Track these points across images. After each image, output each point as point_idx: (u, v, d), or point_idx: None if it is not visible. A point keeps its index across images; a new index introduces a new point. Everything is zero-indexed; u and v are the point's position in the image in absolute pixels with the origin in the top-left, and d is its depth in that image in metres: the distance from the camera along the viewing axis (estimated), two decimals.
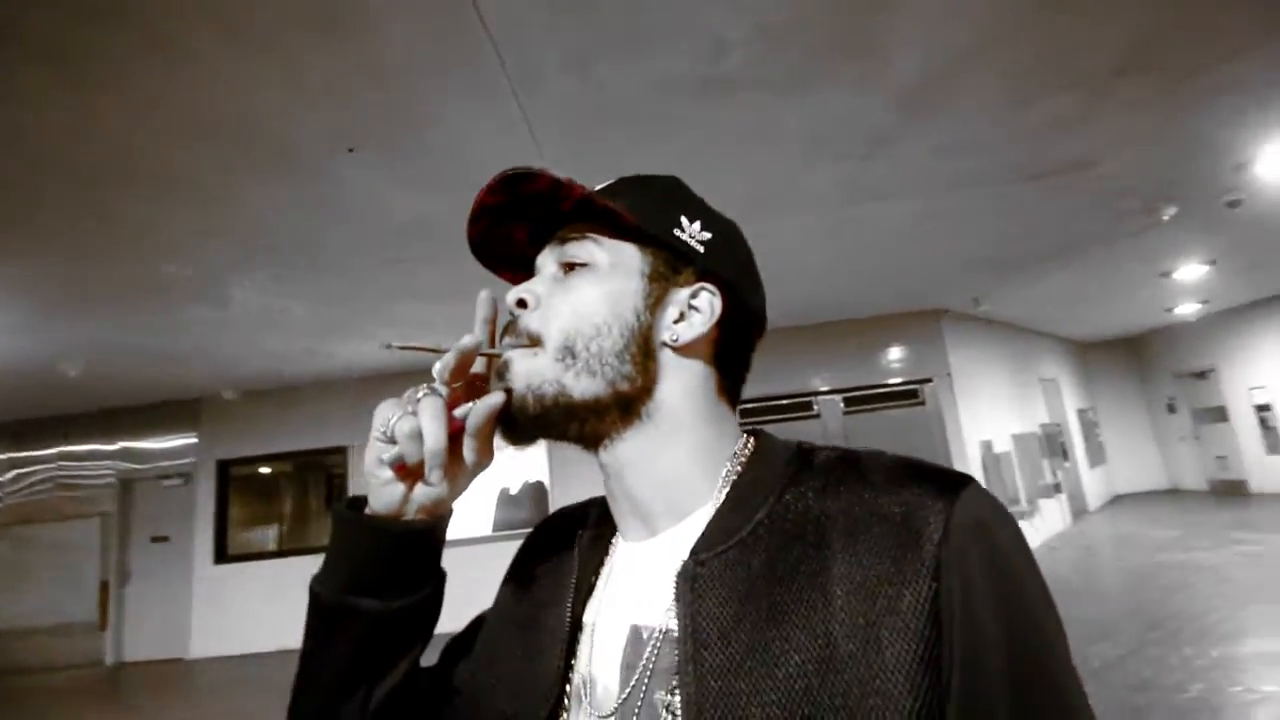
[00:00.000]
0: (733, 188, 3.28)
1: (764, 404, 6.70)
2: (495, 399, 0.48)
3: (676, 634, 0.42)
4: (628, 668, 0.46)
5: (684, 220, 0.52)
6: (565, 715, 0.49)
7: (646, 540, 0.50)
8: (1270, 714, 2.84)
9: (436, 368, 0.49)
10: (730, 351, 0.54)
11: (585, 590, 0.52)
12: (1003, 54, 2.45)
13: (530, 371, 0.48)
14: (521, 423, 0.49)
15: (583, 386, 0.47)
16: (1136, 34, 2.41)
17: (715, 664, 0.40)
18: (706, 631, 0.41)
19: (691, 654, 0.41)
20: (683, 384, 0.50)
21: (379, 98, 2.25)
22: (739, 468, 0.49)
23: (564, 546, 0.57)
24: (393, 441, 0.47)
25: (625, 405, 0.49)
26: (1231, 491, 9.42)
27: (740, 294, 0.53)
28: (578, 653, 0.50)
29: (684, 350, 0.50)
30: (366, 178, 2.80)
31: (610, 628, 0.49)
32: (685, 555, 0.45)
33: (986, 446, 6.76)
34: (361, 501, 0.52)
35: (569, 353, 0.48)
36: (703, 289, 0.51)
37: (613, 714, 0.46)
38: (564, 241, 0.52)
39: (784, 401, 6.67)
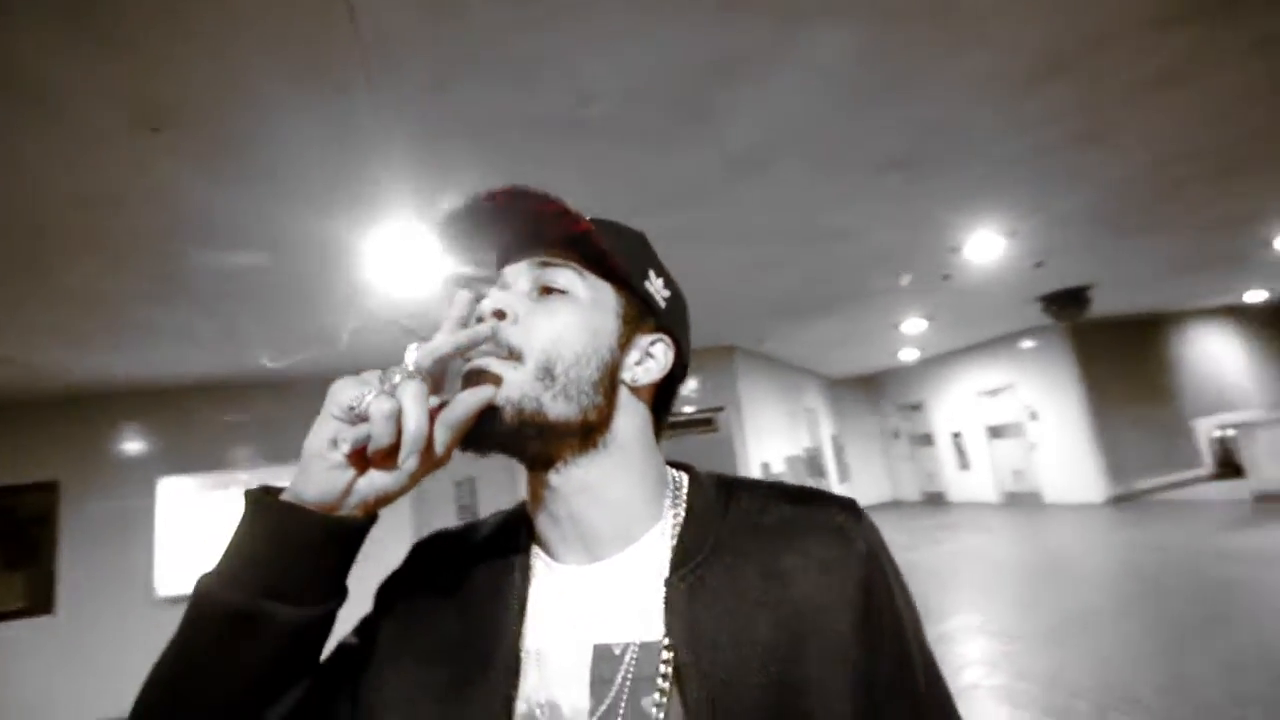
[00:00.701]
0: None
1: (677, 418, 6.85)
2: (485, 392, 0.48)
3: (661, 643, 0.46)
4: (601, 683, 0.47)
5: (651, 274, 0.58)
6: None
7: (592, 564, 0.52)
8: (974, 674, 3.63)
9: (418, 354, 0.46)
10: (665, 398, 0.61)
11: (521, 617, 0.51)
12: (808, 140, 2.92)
13: (514, 383, 0.49)
14: (491, 431, 0.49)
15: (558, 409, 0.50)
16: (902, 139, 3.05)
17: (717, 660, 0.45)
18: (700, 636, 0.46)
19: (694, 659, 0.45)
20: (633, 420, 0.55)
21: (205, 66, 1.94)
22: (683, 496, 0.55)
23: (474, 571, 0.55)
24: (359, 421, 0.44)
25: (588, 433, 0.52)
26: (936, 501, 11.89)
27: (682, 351, 0.60)
28: (518, 683, 0.49)
29: (637, 391, 0.56)
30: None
31: (566, 650, 0.49)
32: (644, 576, 0.50)
33: (765, 467, 7.64)
34: (275, 491, 0.47)
35: (548, 374, 0.50)
36: (660, 340, 0.57)
37: (579, 716, 0.47)
38: (545, 266, 0.54)
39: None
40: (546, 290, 0.54)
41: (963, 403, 11.44)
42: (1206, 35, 2.53)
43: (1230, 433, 9.22)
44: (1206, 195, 4.62)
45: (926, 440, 12.24)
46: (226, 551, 0.45)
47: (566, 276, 0.54)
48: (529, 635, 0.51)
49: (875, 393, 13.23)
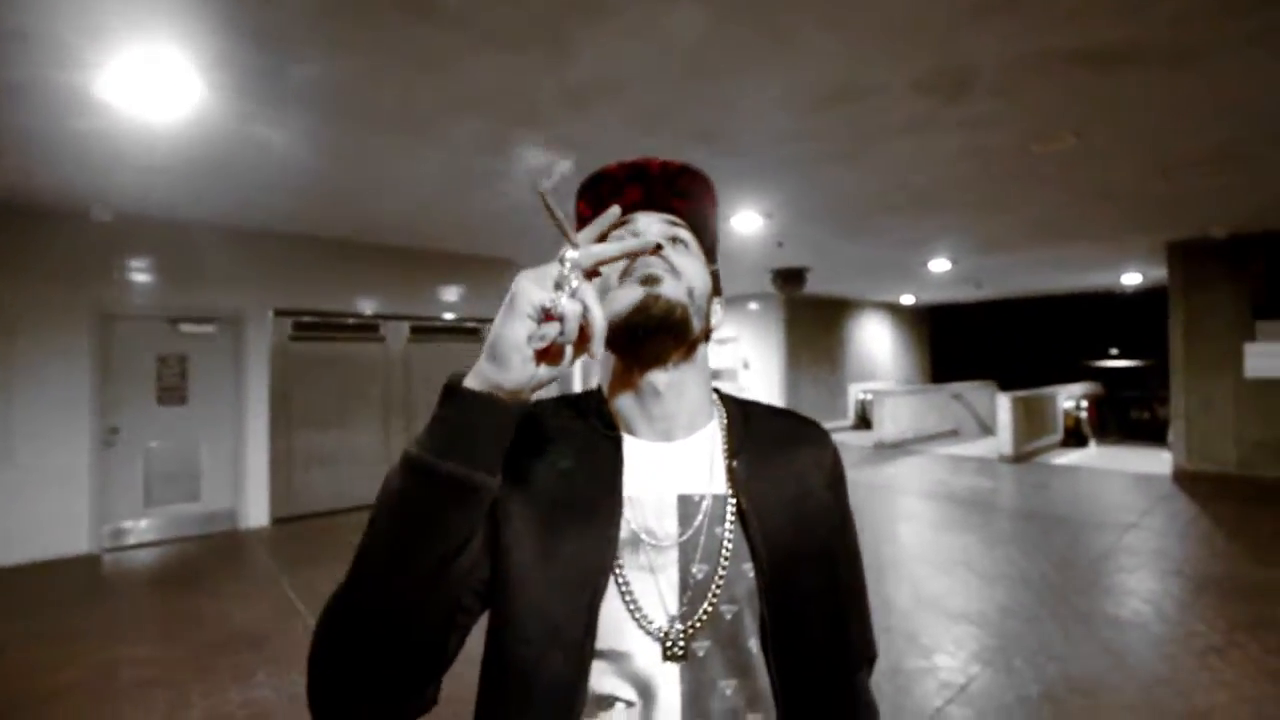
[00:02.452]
0: (382, 99, 3.13)
1: (331, 320, 6.29)
2: (638, 293, 0.65)
3: (727, 495, 0.68)
4: (685, 517, 0.67)
5: (715, 251, 0.81)
6: (620, 559, 0.65)
7: (669, 443, 0.70)
8: None
9: (580, 255, 0.55)
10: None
11: (618, 472, 0.68)
12: (637, 92, 3.11)
13: (674, 289, 0.66)
14: (654, 316, 0.65)
15: (691, 320, 0.69)
16: (714, 115, 3.41)
17: (763, 506, 0.68)
18: (752, 492, 0.69)
19: (750, 505, 0.67)
20: (704, 347, 0.75)
21: None
22: (721, 405, 0.76)
23: (571, 439, 0.70)
24: (549, 320, 0.53)
25: (693, 345, 0.72)
26: None
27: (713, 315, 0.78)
28: (621, 516, 0.66)
29: (707, 328, 0.76)
30: None
31: (657, 496, 0.67)
32: (705, 454, 0.71)
33: None
34: (461, 378, 0.56)
35: (690, 294, 0.69)
36: (718, 301, 0.78)
37: (675, 546, 0.66)
38: (673, 224, 0.73)
39: (350, 321, 6.42)
40: (674, 240, 0.72)
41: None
42: (938, 106, 3.32)
43: (869, 397, 12.21)
44: (902, 221, 6.00)
45: None
46: (438, 431, 0.55)
47: (686, 235, 0.73)
48: (629, 484, 0.67)
49: None
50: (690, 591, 0.64)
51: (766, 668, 0.65)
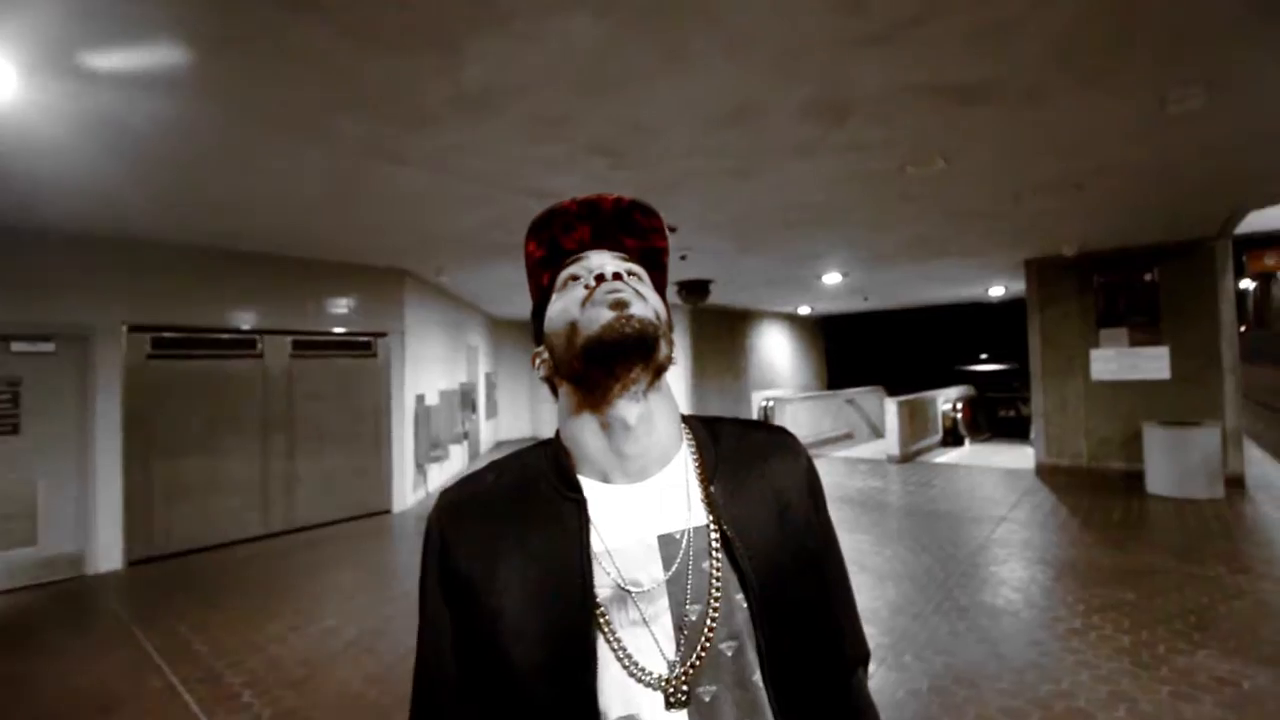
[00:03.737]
0: (257, 95, 2.88)
1: (198, 335, 5.71)
2: (608, 314, 0.67)
3: (708, 525, 0.66)
4: (669, 558, 0.64)
5: (665, 289, 0.80)
6: (605, 617, 0.62)
7: (642, 483, 0.67)
8: None
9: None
10: None
11: (587, 527, 0.65)
12: (535, 103, 3.04)
13: (645, 310, 0.66)
14: (629, 333, 0.64)
15: (661, 342, 0.68)
16: (613, 130, 3.40)
17: (746, 532, 0.66)
18: (733, 517, 0.66)
19: (735, 533, 0.65)
20: (666, 376, 0.72)
21: None
22: (689, 431, 0.73)
23: (528, 504, 0.68)
24: None
25: (659, 371, 0.69)
26: None
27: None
28: (599, 573, 0.63)
29: (670, 357, 0.74)
30: None
31: (635, 544, 0.65)
32: (679, 486, 0.68)
33: (420, 399, 7.60)
34: None
35: (658, 317, 0.69)
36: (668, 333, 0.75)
37: (664, 590, 0.63)
38: (624, 260, 0.73)
39: (222, 336, 5.86)
40: (629, 274, 0.71)
41: None
42: (825, 130, 3.47)
43: (770, 404, 12.65)
44: (797, 236, 6.27)
45: None
46: None
47: (639, 270, 0.73)
48: (604, 538, 0.64)
49: (529, 336, 14.08)
50: (686, 632, 0.62)
51: (767, 695, 0.62)
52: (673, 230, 5.76)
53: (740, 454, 0.73)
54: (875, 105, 3.18)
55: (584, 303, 0.67)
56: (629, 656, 0.61)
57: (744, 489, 0.69)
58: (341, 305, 6.72)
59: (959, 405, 11.59)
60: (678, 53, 2.63)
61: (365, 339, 6.90)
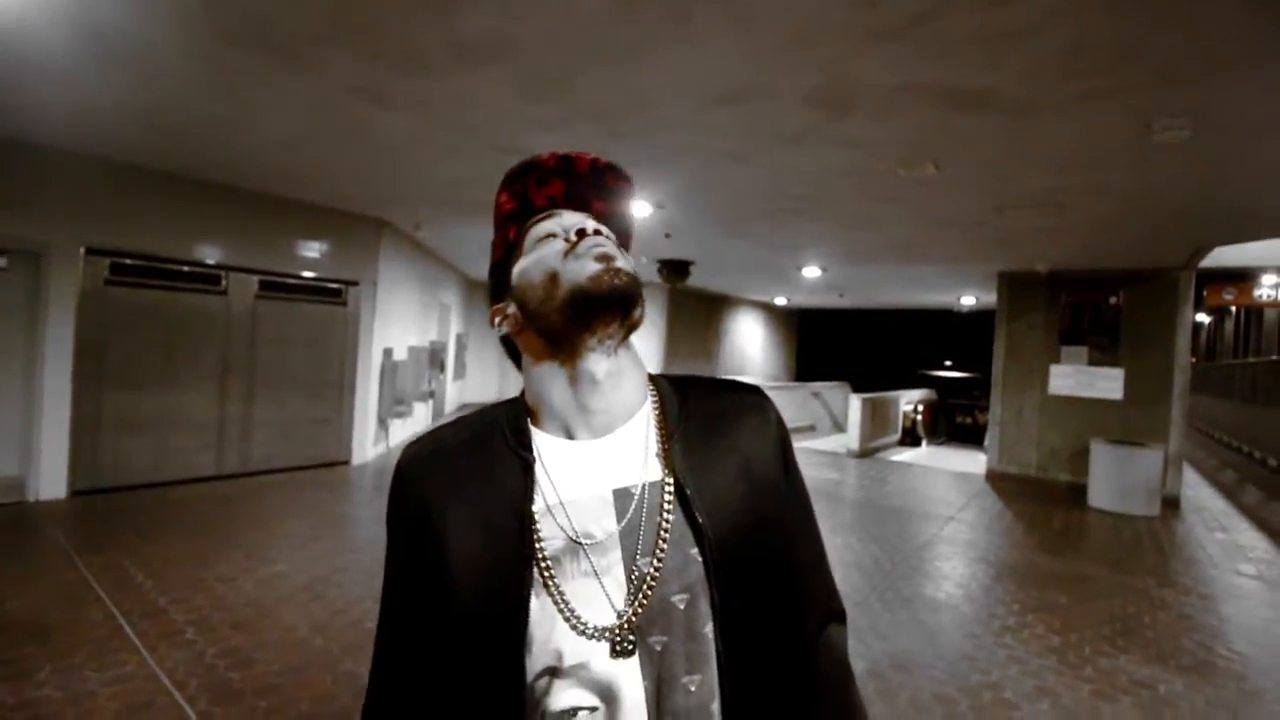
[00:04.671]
0: (240, 10, 2.75)
1: (160, 265, 5.49)
2: (595, 265, 0.67)
3: (664, 480, 0.66)
4: (622, 511, 0.65)
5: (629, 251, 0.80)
6: (551, 570, 0.63)
7: (602, 439, 0.68)
8: None
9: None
10: None
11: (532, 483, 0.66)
12: (528, 56, 2.97)
13: (630, 264, 0.68)
14: (626, 291, 0.66)
15: (640, 297, 0.69)
16: (611, 98, 3.34)
17: (702, 487, 0.66)
18: (692, 473, 0.67)
19: (690, 488, 0.66)
20: (633, 336, 0.73)
21: None
22: (654, 387, 0.74)
23: (488, 458, 0.68)
24: None
25: (632, 328, 0.69)
26: None
27: None
28: (549, 525, 0.64)
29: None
30: None
31: (594, 496, 0.65)
32: (638, 441, 0.68)
33: (388, 354, 7.48)
34: None
35: (635, 270, 0.69)
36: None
37: (617, 542, 0.64)
38: (598, 218, 0.74)
39: (184, 268, 5.65)
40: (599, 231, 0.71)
41: None
42: (824, 121, 3.47)
43: None
44: (781, 225, 6.29)
45: None
46: None
47: (607, 230, 0.72)
48: (559, 491, 0.65)
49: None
50: (636, 583, 0.63)
51: (716, 648, 0.64)
52: (660, 207, 5.73)
53: (707, 413, 0.73)
54: (876, 102, 3.18)
55: (566, 254, 0.67)
56: (570, 608, 0.62)
57: (707, 446, 0.70)
58: (314, 249, 6.52)
59: (920, 407, 11.89)
60: (686, 26, 2.58)
61: (336, 286, 6.73)
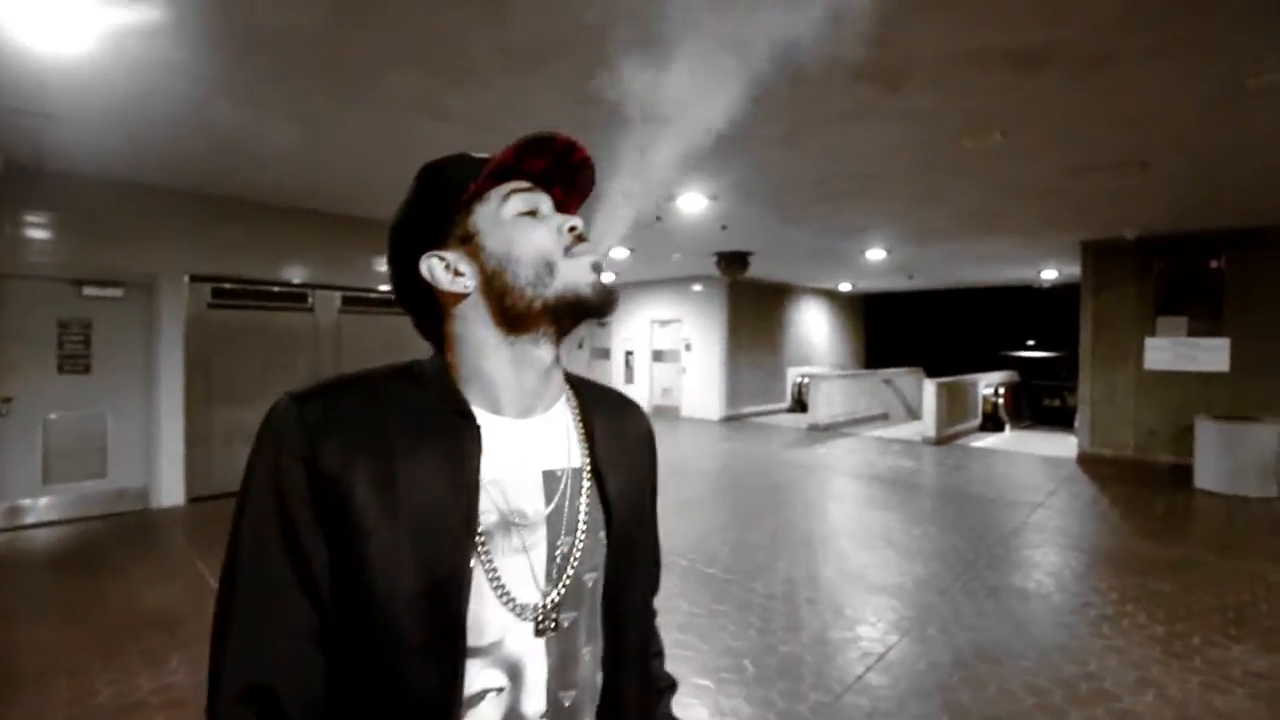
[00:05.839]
0: (308, 49, 2.95)
1: (254, 287, 5.95)
2: (592, 277, 0.69)
3: (585, 466, 0.71)
4: (550, 493, 0.67)
5: None
6: (484, 545, 0.62)
7: (529, 419, 0.69)
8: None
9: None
10: None
11: (479, 453, 0.64)
12: (576, 58, 3.04)
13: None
14: (611, 309, 0.69)
15: None
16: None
17: (612, 474, 0.73)
18: (604, 461, 0.73)
19: (605, 473, 0.72)
20: None
21: None
22: (566, 381, 0.76)
23: (416, 417, 0.64)
24: None
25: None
26: None
27: None
28: (484, 500, 0.63)
29: None
30: None
31: (522, 475, 0.66)
32: (561, 427, 0.72)
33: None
34: None
35: None
36: None
37: (544, 522, 0.66)
38: (575, 213, 0.74)
39: (275, 289, 6.09)
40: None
41: (640, 328, 13.16)
42: (878, 96, 3.39)
43: (805, 380, 12.55)
44: (841, 209, 6.14)
45: (605, 354, 13.82)
46: None
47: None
48: (494, 468, 0.65)
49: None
50: (559, 562, 0.67)
51: (601, 619, 0.70)
52: (714, 199, 5.71)
53: (604, 408, 0.79)
54: (932, 70, 3.08)
55: (567, 249, 0.66)
56: (503, 585, 0.63)
57: (610, 438, 0.76)
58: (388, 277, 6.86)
59: (1000, 390, 11.31)
60: (729, 8, 2.59)
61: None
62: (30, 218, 4.84)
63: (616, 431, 0.77)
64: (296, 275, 6.22)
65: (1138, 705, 2.59)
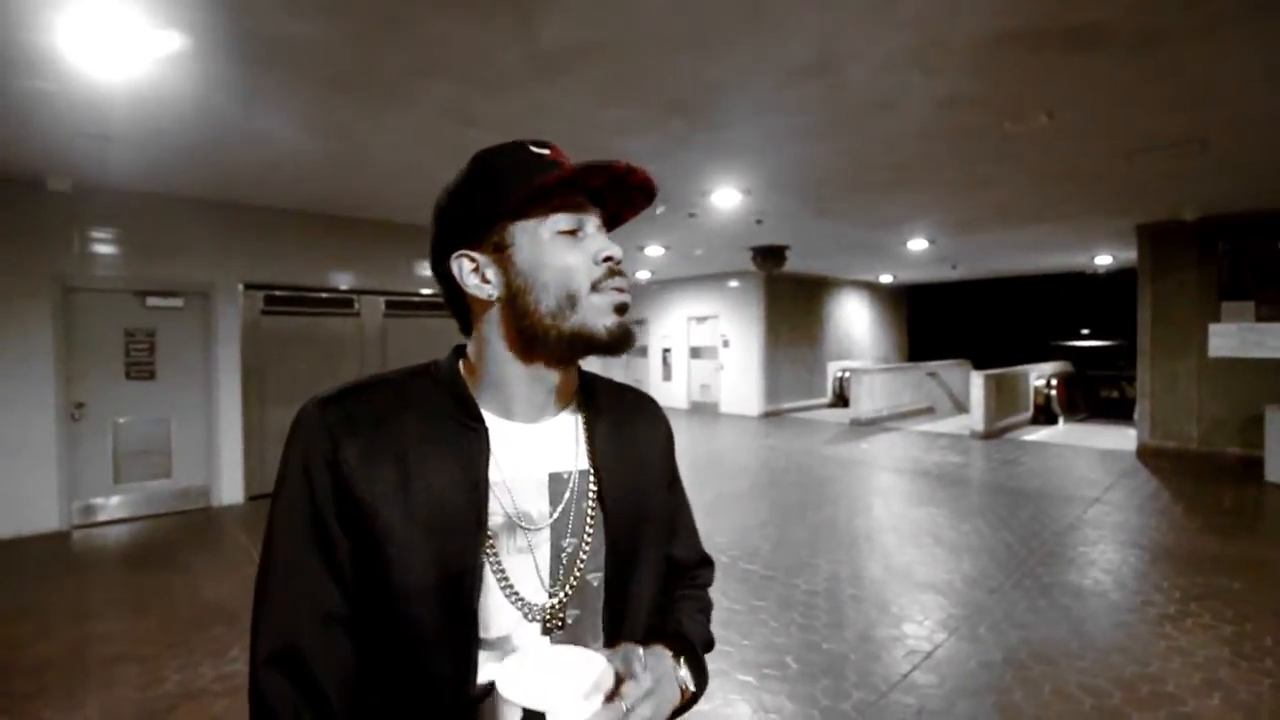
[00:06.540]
0: (344, 61, 3.04)
1: (303, 294, 6.17)
2: (614, 319, 0.69)
3: (589, 469, 0.72)
4: (555, 496, 0.69)
5: None
6: (492, 544, 0.65)
7: (538, 423, 0.71)
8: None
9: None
10: None
11: (487, 456, 0.66)
12: (608, 61, 3.06)
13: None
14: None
15: None
16: (688, 90, 3.37)
17: (616, 478, 0.74)
18: (608, 465, 0.73)
19: (608, 478, 0.73)
20: None
21: None
22: (581, 381, 0.78)
23: (430, 422, 0.66)
24: None
25: None
26: None
27: None
28: (492, 501, 0.65)
29: None
30: None
31: (529, 478, 0.68)
32: (569, 430, 0.73)
33: None
34: None
35: None
36: None
37: (549, 525, 0.68)
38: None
39: (323, 295, 6.30)
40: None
41: (677, 325, 13.14)
42: (914, 83, 3.31)
43: (846, 375, 12.33)
44: (879, 199, 6.01)
45: (642, 352, 13.83)
46: None
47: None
48: (502, 469, 0.67)
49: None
50: (564, 562, 0.69)
51: (603, 612, 0.71)
52: (748, 194, 5.66)
53: (615, 411, 0.79)
54: (971, 54, 3.00)
55: (595, 284, 0.66)
56: (510, 584, 0.65)
57: (617, 442, 0.76)
58: (429, 268, 7.02)
59: (1053, 382, 10.90)
60: (758, 3, 2.57)
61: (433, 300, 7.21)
62: (97, 234, 5.13)
63: (623, 431, 0.77)
64: (343, 281, 6.42)
65: (1203, 709, 2.47)
